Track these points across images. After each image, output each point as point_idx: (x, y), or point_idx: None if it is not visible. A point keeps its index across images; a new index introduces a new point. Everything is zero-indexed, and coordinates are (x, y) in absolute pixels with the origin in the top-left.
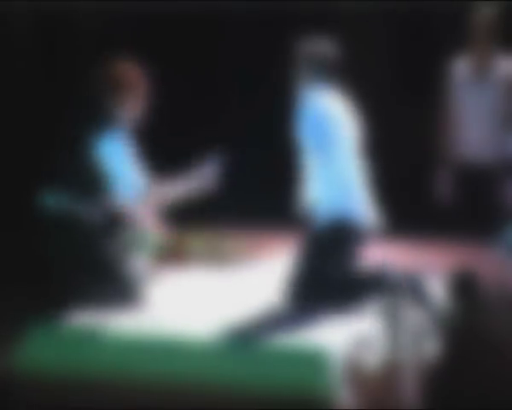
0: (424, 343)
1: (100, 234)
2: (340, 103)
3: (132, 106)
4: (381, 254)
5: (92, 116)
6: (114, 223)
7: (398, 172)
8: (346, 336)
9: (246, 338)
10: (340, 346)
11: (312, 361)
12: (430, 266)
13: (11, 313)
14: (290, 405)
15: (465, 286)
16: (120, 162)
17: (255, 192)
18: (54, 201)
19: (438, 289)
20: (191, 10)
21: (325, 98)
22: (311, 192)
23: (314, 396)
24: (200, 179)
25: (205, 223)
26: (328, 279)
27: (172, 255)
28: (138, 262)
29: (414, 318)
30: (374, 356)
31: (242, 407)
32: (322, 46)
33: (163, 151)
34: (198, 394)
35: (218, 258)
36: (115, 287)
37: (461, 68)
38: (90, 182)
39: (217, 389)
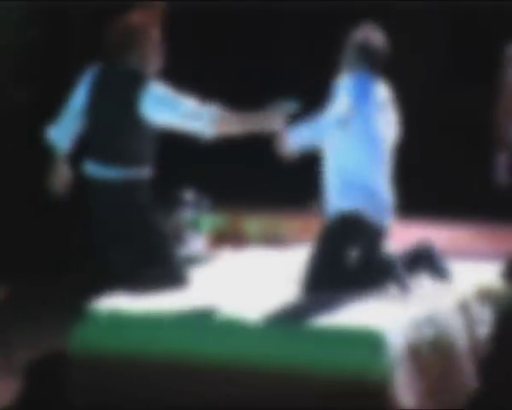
0: (477, 326)
1: (152, 210)
2: (384, 94)
3: (153, 55)
4: (437, 237)
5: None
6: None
7: (459, 158)
8: (403, 320)
9: (299, 320)
10: (398, 329)
11: (369, 344)
12: (488, 251)
13: (66, 296)
14: (346, 387)
15: None
16: (175, 107)
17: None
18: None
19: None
20: None
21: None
22: (333, 184)
23: (370, 379)
24: (269, 120)
25: (260, 206)
26: (344, 270)
27: (228, 237)
28: (194, 243)
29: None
30: (429, 339)
31: (296, 389)
32: (376, 37)
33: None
34: (252, 375)
35: (273, 240)
36: (167, 268)
37: None
38: (137, 146)
39: (270, 371)
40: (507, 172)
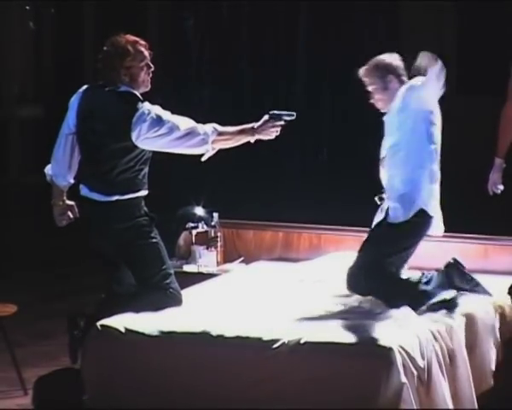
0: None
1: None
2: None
3: (143, 77)
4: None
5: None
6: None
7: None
8: (413, 337)
9: (309, 336)
10: (409, 346)
11: (380, 360)
12: (500, 265)
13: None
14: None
15: None
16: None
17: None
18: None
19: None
20: None
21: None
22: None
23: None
24: (266, 130)
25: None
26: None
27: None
28: (206, 258)
29: None
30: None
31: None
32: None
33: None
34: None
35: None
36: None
37: None
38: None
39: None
40: (498, 179)
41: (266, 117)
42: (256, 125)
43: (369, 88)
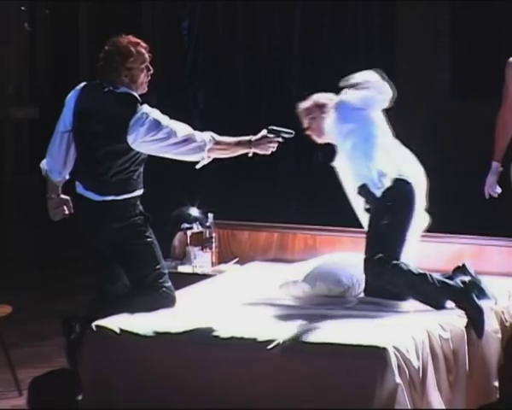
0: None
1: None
2: None
3: (143, 79)
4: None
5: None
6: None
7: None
8: (411, 337)
9: (304, 336)
10: (405, 346)
11: (375, 360)
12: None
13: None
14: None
15: None
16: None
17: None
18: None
19: None
20: None
21: None
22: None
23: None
24: (262, 145)
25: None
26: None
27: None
28: (200, 258)
29: None
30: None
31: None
32: None
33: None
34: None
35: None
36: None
37: None
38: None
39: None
40: (495, 182)
41: (264, 132)
42: (253, 138)
43: (306, 120)
